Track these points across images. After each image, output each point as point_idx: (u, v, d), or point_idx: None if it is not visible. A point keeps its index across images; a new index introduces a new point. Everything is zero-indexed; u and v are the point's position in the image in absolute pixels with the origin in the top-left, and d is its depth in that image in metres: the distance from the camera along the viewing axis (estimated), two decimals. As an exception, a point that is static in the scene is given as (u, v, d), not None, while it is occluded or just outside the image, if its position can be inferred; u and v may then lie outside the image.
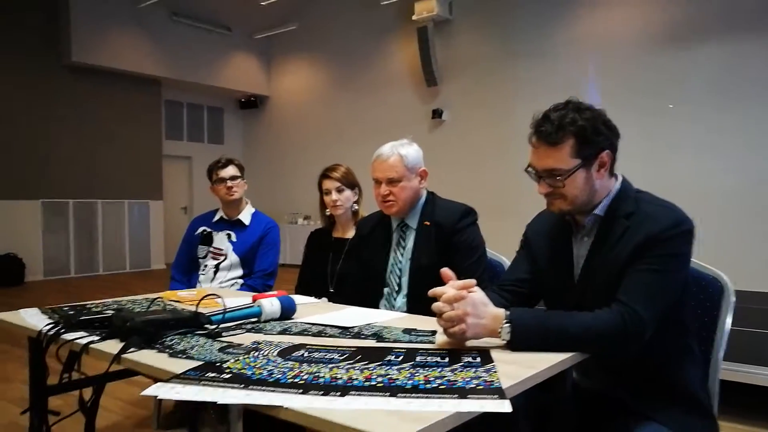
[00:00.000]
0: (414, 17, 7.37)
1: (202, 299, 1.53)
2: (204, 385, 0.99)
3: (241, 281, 2.61)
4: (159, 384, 1.00)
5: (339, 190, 2.30)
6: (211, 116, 9.90)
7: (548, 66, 6.44)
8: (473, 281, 1.21)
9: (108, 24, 7.79)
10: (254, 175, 9.71)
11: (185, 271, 2.68)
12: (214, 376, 1.03)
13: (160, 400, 2.53)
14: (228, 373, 1.05)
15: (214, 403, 0.93)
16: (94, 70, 7.83)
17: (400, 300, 1.87)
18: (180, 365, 1.10)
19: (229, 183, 2.63)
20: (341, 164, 2.41)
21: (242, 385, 0.98)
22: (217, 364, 1.11)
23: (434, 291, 1.20)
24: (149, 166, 8.70)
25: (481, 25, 7.30)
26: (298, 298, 1.79)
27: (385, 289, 1.92)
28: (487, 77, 7.18)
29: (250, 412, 1.75)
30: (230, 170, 2.66)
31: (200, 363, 1.12)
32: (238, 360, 1.13)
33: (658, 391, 1.29)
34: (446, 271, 1.23)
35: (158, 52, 8.39)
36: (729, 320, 1.56)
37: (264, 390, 0.95)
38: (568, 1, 6.48)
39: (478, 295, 1.20)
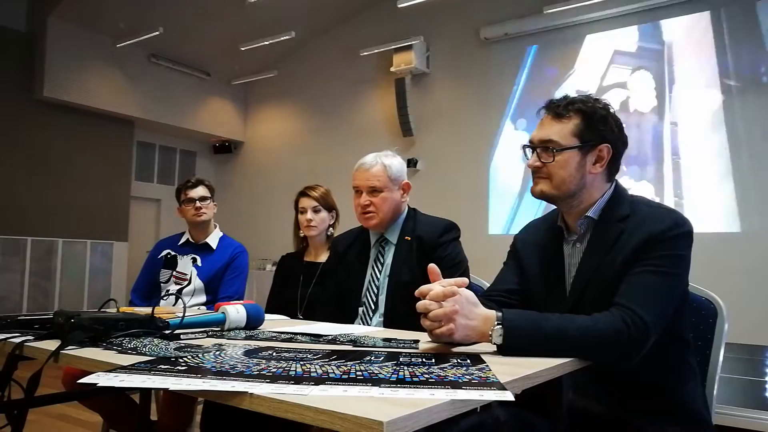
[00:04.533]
0: (392, 69, 7.49)
1: (155, 306, 1.38)
2: (155, 374, 0.85)
3: (204, 308, 2.44)
4: (100, 373, 0.86)
5: (315, 210, 2.20)
6: (184, 159, 9.75)
7: (522, 117, 6.56)
8: (465, 279, 1.10)
9: (84, 62, 7.71)
10: (224, 220, 9.50)
11: (145, 296, 2.51)
12: (167, 368, 0.89)
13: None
14: (184, 366, 0.91)
15: None
16: (66, 106, 7.68)
17: (376, 319, 1.74)
18: (129, 360, 0.96)
19: (198, 204, 2.50)
20: (321, 185, 2.33)
21: (200, 375, 0.84)
22: (172, 359, 0.96)
23: (421, 289, 1.09)
24: (116, 206, 8.44)
25: (456, 79, 7.45)
26: (269, 316, 1.65)
27: (360, 309, 1.79)
28: (461, 128, 7.27)
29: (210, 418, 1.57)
30: (200, 190, 2.54)
31: (152, 358, 0.98)
32: (197, 356, 0.99)
33: (662, 407, 1.18)
34: (433, 267, 1.12)
35: (134, 92, 8.31)
36: (723, 347, 1.49)
37: (225, 379, 0.82)
38: (541, 57, 6.68)
39: (468, 293, 1.10)
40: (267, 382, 0.80)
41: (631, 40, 6.10)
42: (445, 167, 7.40)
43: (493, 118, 6.99)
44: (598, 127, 1.24)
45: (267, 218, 8.77)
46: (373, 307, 1.76)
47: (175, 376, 0.83)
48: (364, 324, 1.76)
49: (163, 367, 0.89)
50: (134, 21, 7.41)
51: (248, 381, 0.80)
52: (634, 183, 5.80)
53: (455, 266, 1.72)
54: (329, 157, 8.36)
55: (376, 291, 1.77)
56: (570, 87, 6.34)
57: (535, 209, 5.25)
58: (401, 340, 1.22)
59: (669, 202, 5.55)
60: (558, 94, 1.36)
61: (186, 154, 9.81)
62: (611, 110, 1.28)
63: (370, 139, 8.02)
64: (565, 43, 6.54)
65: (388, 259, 1.79)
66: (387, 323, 1.70)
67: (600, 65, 6.27)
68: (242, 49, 7.90)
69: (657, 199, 5.43)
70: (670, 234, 1.17)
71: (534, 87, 6.62)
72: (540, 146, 1.26)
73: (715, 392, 1.44)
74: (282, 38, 7.51)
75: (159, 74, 8.59)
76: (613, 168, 1.28)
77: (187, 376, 0.83)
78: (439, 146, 7.51)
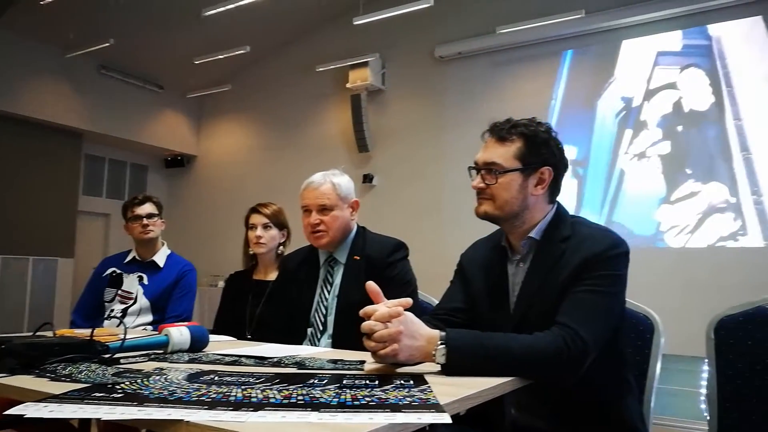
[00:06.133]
0: (348, 85, 7.53)
1: (95, 329, 1.34)
2: (87, 403, 0.82)
3: (150, 328, 2.38)
4: (29, 403, 0.82)
5: (265, 227, 2.18)
6: (134, 173, 9.51)
7: (476, 135, 6.68)
8: (409, 300, 1.11)
9: (30, 72, 7.45)
10: (176, 236, 9.28)
11: (88, 316, 2.42)
12: (102, 396, 0.86)
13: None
14: (120, 393, 0.89)
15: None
16: (10, 117, 7.40)
17: (325, 341, 1.73)
18: (63, 388, 0.92)
19: (145, 221, 2.45)
20: (274, 203, 2.32)
21: (135, 403, 0.82)
22: (109, 386, 0.94)
23: (365, 310, 1.10)
24: (61, 221, 8.13)
25: (412, 96, 7.54)
26: (215, 337, 1.62)
27: (309, 330, 1.78)
28: (417, 145, 7.35)
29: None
30: (147, 207, 2.49)
31: (87, 385, 0.95)
32: (135, 382, 0.97)
33: (600, 423, 1.22)
34: (373, 286, 1.12)
35: (83, 104, 8.07)
36: (659, 361, 1.54)
37: (162, 406, 0.80)
38: (494, 76, 6.84)
39: (411, 315, 1.11)
40: (205, 409, 0.78)
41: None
42: (401, 183, 7.46)
43: (449, 136, 7.10)
44: (540, 151, 1.28)
45: (220, 234, 8.62)
46: (321, 327, 1.75)
47: (109, 404, 0.81)
48: (312, 344, 1.75)
49: (97, 395, 0.87)
50: (84, 31, 7.22)
51: (186, 408, 0.79)
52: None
53: (404, 285, 1.73)
54: (284, 172, 8.30)
55: (324, 311, 1.76)
56: (521, 102, 6.51)
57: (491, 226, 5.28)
58: (347, 361, 1.22)
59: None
60: (512, 114, 1.41)
61: (137, 167, 9.58)
62: (553, 134, 1.32)
63: (326, 155, 8.02)
64: (520, 61, 6.73)
65: (337, 278, 1.79)
66: (335, 344, 1.69)
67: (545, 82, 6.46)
68: (196, 62, 7.80)
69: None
70: (608, 254, 1.21)
71: (488, 105, 6.77)
72: (484, 168, 1.30)
73: (652, 405, 1.50)
74: (237, 52, 7.46)
75: (109, 86, 8.38)
76: (554, 190, 1.33)
77: (122, 405, 0.81)
78: (395, 162, 7.56)
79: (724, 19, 5.63)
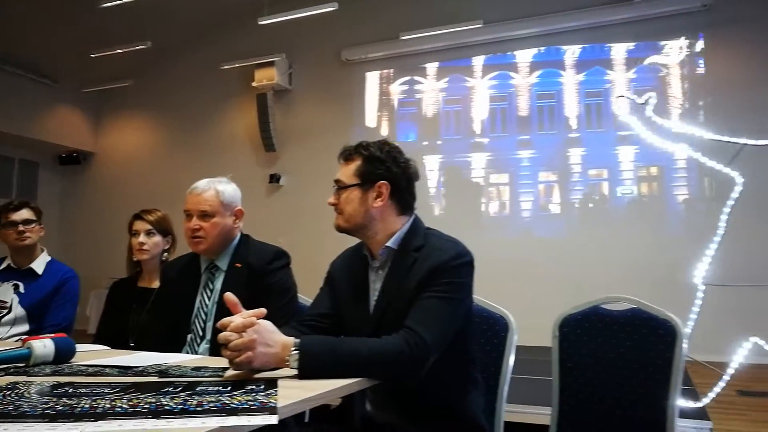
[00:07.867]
0: (254, 84, 7.46)
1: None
2: None
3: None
4: None
5: (148, 234, 2.17)
6: (24, 170, 8.91)
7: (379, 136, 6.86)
8: (263, 310, 1.19)
9: None
10: (72, 236, 8.81)
11: (-45, 328, 2.30)
12: (-63, 415, 0.87)
13: None
14: (-39, 411, 0.90)
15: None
16: None
17: (203, 347, 1.77)
18: None
19: (21, 227, 2.36)
20: (159, 209, 2.30)
21: (-27, 420, 0.84)
22: (-49, 404, 0.94)
23: (222, 321, 1.16)
24: (-63, 222, 7.51)
25: (319, 97, 7.59)
26: (85, 346, 1.62)
27: (189, 336, 1.81)
28: (324, 145, 7.38)
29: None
30: (24, 213, 2.39)
31: (-72, 403, 0.95)
32: (-19, 398, 0.98)
33: (445, 418, 1.35)
34: (230, 296, 1.19)
35: (-38, 96, 7.49)
36: (513, 356, 1.71)
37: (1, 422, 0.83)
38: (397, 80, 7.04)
39: (267, 323, 1.18)
40: (45, 422, 0.82)
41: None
42: (308, 183, 7.48)
43: (355, 137, 7.22)
44: (375, 167, 1.42)
45: (119, 235, 8.19)
46: (201, 333, 1.78)
47: (-58, 423, 0.83)
48: (191, 352, 1.78)
49: (-69, 414, 0.87)
50: (-37, 18, 6.70)
51: (26, 422, 0.82)
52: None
53: (283, 292, 1.79)
54: (188, 171, 8.01)
55: (204, 317, 1.80)
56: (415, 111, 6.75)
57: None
58: (210, 368, 1.28)
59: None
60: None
61: (26, 164, 8.98)
62: (393, 152, 1.45)
63: (232, 154, 7.91)
64: (415, 68, 6.97)
65: (218, 285, 1.82)
66: (213, 350, 1.73)
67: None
68: (93, 56, 7.44)
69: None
70: (453, 264, 1.34)
71: (389, 107, 6.96)
72: (335, 186, 1.43)
73: (505, 394, 1.66)
74: (137, 47, 7.19)
75: (-5, 78, 7.83)
76: (401, 201, 1.45)
77: (-42, 422, 0.83)
78: (302, 163, 7.58)
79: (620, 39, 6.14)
